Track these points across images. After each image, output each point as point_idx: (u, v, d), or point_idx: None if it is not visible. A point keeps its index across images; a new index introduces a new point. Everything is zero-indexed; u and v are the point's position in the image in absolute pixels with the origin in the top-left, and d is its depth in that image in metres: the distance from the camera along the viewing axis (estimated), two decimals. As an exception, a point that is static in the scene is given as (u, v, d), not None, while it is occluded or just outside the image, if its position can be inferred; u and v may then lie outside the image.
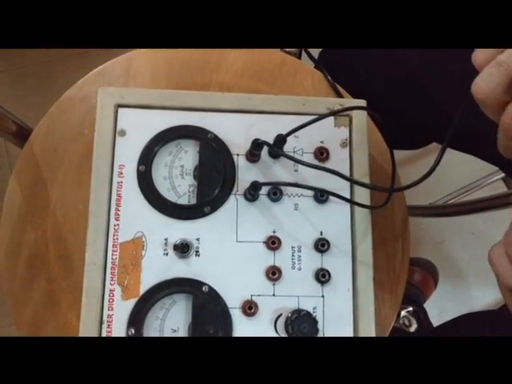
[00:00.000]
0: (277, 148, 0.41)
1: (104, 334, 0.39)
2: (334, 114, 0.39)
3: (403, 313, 0.72)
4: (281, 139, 0.40)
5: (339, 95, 0.51)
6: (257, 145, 0.40)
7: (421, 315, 0.70)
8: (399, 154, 0.55)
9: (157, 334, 0.39)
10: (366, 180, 0.44)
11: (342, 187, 0.43)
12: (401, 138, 0.61)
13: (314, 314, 0.41)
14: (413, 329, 0.69)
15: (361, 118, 0.44)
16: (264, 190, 0.42)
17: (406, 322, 0.70)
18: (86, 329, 0.38)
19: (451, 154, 1.16)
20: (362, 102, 0.43)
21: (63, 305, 0.48)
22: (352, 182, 0.42)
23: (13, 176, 0.50)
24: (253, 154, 0.42)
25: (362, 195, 0.43)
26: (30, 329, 0.47)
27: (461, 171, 1.09)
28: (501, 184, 1.00)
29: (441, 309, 1.03)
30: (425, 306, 0.89)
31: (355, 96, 0.50)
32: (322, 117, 0.39)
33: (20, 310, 0.48)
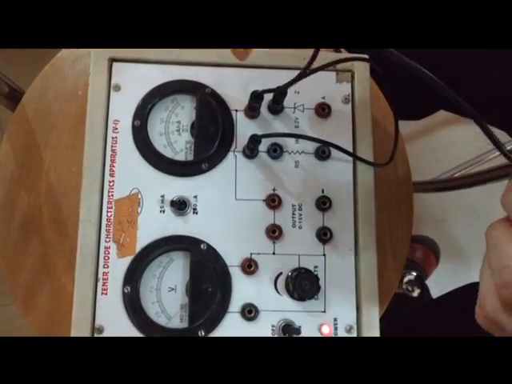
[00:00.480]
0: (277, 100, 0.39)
1: (99, 292, 0.38)
2: (335, 63, 0.38)
3: (406, 278, 0.71)
4: (281, 92, 0.38)
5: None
6: (255, 97, 0.38)
7: (424, 280, 0.69)
8: (404, 128, 0.53)
9: (153, 293, 0.38)
10: (369, 137, 0.42)
11: (345, 145, 0.41)
12: (404, 105, 0.60)
13: (315, 273, 0.39)
14: (416, 294, 0.68)
15: (363, 73, 0.43)
16: (264, 147, 0.41)
17: (409, 288, 0.69)
18: (81, 286, 0.37)
19: (452, 131, 1.15)
20: (365, 56, 0.42)
21: (58, 269, 0.46)
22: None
23: (5, 139, 0.49)
24: (252, 109, 0.40)
25: (366, 152, 0.42)
26: (25, 293, 0.46)
27: (462, 149, 1.08)
28: (503, 160, 0.98)
29: (441, 289, 1.02)
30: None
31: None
32: (323, 67, 0.37)
33: (14, 275, 0.46)
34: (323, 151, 0.41)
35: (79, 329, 0.37)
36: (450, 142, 1.11)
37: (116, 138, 0.40)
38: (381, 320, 0.41)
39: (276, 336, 0.38)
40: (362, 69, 0.43)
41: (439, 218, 1.07)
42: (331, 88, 0.43)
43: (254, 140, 0.38)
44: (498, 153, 0.95)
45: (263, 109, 0.42)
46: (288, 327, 0.38)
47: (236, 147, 0.41)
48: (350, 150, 0.42)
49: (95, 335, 0.37)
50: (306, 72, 0.36)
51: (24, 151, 0.48)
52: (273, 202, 0.40)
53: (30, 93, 0.49)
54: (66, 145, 0.48)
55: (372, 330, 0.39)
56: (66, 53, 0.50)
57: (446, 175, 0.96)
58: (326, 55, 0.43)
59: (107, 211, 0.39)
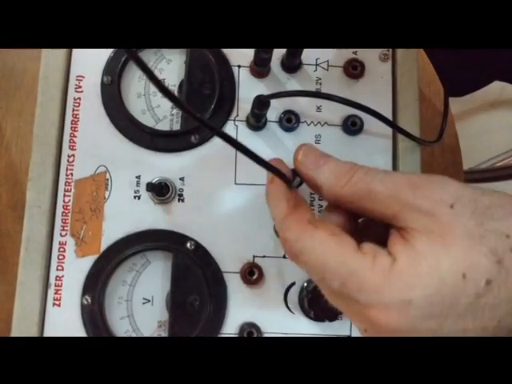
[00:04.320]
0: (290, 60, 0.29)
1: (50, 302, 0.28)
2: None
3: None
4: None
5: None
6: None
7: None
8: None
9: (123, 305, 0.29)
10: (415, 105, 0.32)
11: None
12: (452, 76, 0.49)
13: (340, 284, 0.30)
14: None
15: (410, 20, 0.32)
16: (274, 115, 0.31)
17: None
18: (25, 294, 0.28)
19: (489, 117, 1.04)
20: None
21: (16, 265, 0.38)
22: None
23: (-42, 104, 0.40)
24: (260, 64, 0.30)
25: (410, 125, 0.31)
26: (-25, 295, 0.37)
27: (499, 137, 0.99)
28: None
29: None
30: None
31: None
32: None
33: (-37, 270, 0.38)
34: (353, 122, 0.31)
35: (23, 350, 0.27)
36: (487, 129, 1.01)
37: (79, 98, 0.31)
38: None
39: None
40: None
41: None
42: (366, 39, 0.32)
43: (260, 103, 0.28)
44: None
45: (275, 64, 0.32)
46: (301, 356, 0.28)
47: (237, 115, 0.31)
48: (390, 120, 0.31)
49: (43, 360, 0.28)
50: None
51: (-20, 119, 0.40)
52: (285, 188, 0.30)
53: (-12, 47, 0.40)
54: (32, 112, 0.39)
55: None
56: None
57: (483, 166, 0.85)
58: None
59: (64, 195, 0.30)
